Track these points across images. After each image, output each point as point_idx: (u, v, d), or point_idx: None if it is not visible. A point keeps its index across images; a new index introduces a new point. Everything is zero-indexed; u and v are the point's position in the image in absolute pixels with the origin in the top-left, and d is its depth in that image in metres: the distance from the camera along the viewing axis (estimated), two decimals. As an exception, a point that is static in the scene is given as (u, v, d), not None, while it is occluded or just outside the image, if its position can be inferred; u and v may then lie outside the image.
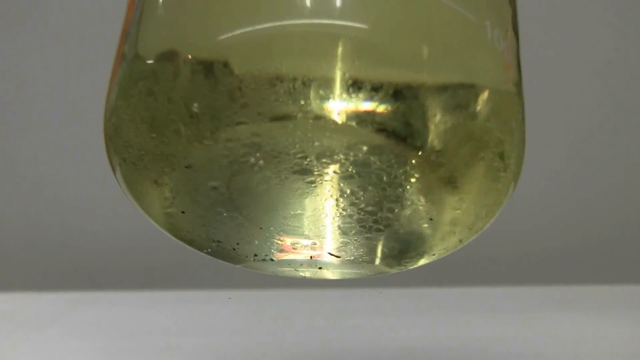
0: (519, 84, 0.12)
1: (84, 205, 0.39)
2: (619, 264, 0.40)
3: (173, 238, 0.14)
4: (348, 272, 0.15)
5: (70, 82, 0.38)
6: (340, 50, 0.10)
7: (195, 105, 0.10)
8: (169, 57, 0.11)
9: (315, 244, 0.14)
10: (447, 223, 0.13)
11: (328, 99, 0.10)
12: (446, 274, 0.40)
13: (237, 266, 0.14)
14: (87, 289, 0.36)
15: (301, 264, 0.14)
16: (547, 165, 0.40)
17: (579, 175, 0.40)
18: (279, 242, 0.14)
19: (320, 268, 0.14)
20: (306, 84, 0.10)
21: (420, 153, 0.11)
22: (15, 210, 0.39)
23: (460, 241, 0.13)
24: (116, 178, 0.13)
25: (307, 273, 0.15)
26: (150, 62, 0.11)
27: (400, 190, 0.12)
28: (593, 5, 0.38)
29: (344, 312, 0.32)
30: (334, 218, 0.13)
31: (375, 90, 0.10)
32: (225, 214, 0.13)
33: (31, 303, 0.33)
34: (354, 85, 0.10)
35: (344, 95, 0.10)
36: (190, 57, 0.10)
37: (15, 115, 0.38)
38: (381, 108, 0.10)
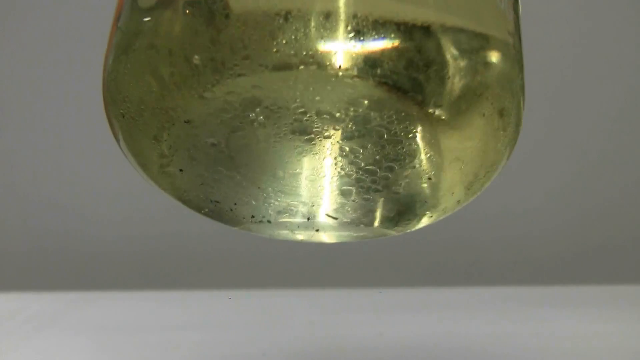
0: (519, 43, 0.12)
1: (84, 205, 0.39)
2: (619, 264, 0.40)
3: (171, 198, 0.13)
4: (346, 235, 0.15)
5: (70, 83, 0.38)
6: None
7: (196, 56, 0.10)
8: (167, 8, 0.10)
9: (313, 205, 0.14)
10: (446, 183, 0.13)
11: (330, 48, 0.10)
12: (446, 274, 0.40)
13: (235, 228, 0.14)
14: (87, 289, 0.36)
15: (298, 226, 0.14)
16: (548, 166, 0.40)
17: (578, 176, 0.40)
18: (277, 202, 0.13)
19: (317, 230, 0.14)
20: (307, 34, 0.10)
21: (421, 107, 0.10)
22: (15, 211, 0.39)
23: (458, 202, 0.13)
24: (115, 136, 0.12)
25: (303, 235, 0.14)
26: (147, 14, 0.11)
27: (399, 147, 0.12)
28: (601, 7, 0.38)
29: (344, 312, 0.32)
30: (332, 178, 0.13)
31: (376, 39, 0.10)
32: (223, 173, 0.13)
33: (31, 303, 0.33)
34: (356, 34, 0.10)
35: (346, 45, 0.10)
36: (187, 6, 0.10)
37: (15, 116, 0.38)
38: (383, 58, 0.10)
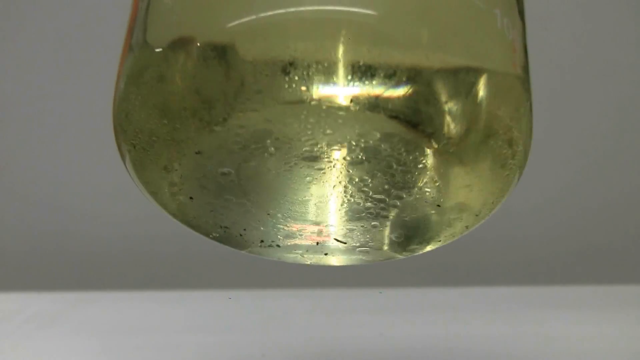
0: (526, 71, 0.13)
1: (84, 205, 0.39)
2: (619, 264, 0.40)
3: (180, 223, 0.14)
4: (354, 259, 0.15)
5: (70, 82, 0.38)
6: (351, 35, 0.10)
7: (207, 91, 0.10)
8: (179, 43, 0.11)
9: (321, 230, 0.14)
10: (454, 209, 0.13)
11: (340, 85, 0.10)
12: (446, 274, 0.40)
13: (242, 252, 0.14)
14: (87, 289, 0.36)
15: (307, 249, 0.14)
16: (548, 166, 0.40)
17: (578, 176, 0.40)
18: (286, 227, 0.13)
19: (326, 254, 0.14)
20: (319, 70, 0.10)
21: (430, 139, 0.11)
22: (15, 211, 0.39)
23: (467, 227, 0.13)
24: (125, 165, 0.12)
25: (312, 259, 0.15)
26: (160, 48, 0.11)
27: (408, 177, 0.12)
28: (603, 8, 0.38)
29: (344, 312, 0.32)
30: (341, 204, 0.13)
31: (387, 76, 0.10)
32: (233, 200, 0.13)
33: (31, 303, 0.33)
34: (366, 72, 0.10)
35: (356, 82, 0.10)
36: (200, 42, 0.10)
37: (15, 116, 0.38)
38: (393, 94, 0.10)
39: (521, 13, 0.13)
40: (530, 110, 0.13)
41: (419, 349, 0.27)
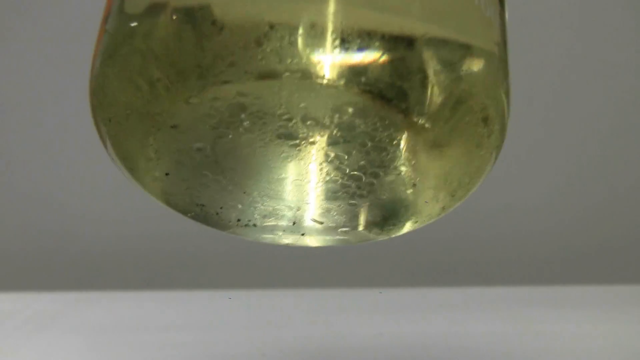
0: (504, 50, 0.12)
1: (84, 205, 0.39)
2: (619, 264, 0.40)
3: (157, 201, 0.14)
4: (331, 239, 0.15)
5: (70, 82, 0.38)
6: (327, 6, 0.10)
7: (181, 63, 0.10)
8: (153, 15, 0.10)
9: (298, 209, 0.14)
10: (430, 189, 0.13)
11: (315, 56, 0.10)
12: (446, 274, 0.40)
13: (223, 232, 0.14)
14: (87, 289, 0.36)
15: (284, 230, 0.14)
16: (548, 166, 0.40)
17: (578, 176, 0.40)
18: (262, 206, 0.13)
19: (303, 234, 0.14)
20: (293, 42, 0.10)
21: (405, 115, 0.11)
22: (15, 211, 0.39)
23: (443, 208, 0.13)
24: (102, 140, 0.12)
25: (289, 239, 0.15)
26: (135, 19, 0.11)
27: (384, 154, 0.12)
28: (599, 7, 0.38)
29: (344, 312, 0.32)
30: (317, 183, 0.13)
31: (362, 48, 0.10)
32: (209, 177, 0.13)
33: (31, 303, 0.33)
34: (341, 43, 0.10)
35: (331, 53, 0.10)
36: (174, 14, 0.10)
37: (15, 116, 0.38)
38: (368, 66, 0.10)
39: None
40: (508, 90, 0.13)
41: (419, 349, 0.27)
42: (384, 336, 0.28)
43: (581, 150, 0.40)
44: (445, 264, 0.40)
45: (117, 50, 0.11)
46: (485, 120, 0.12)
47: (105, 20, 0.12)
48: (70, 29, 0.37)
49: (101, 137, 0.12)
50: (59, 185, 0.39)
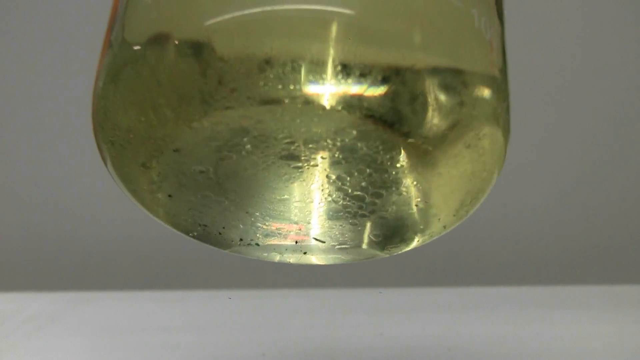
0: (504, 71, 0.13)
1: (84, 205, 0.39)
2: (619, 264, 0.40)
3: (159, 221, 0.14)
4: (333, 258, 0.15)
5: (70, 82, 0.38)
6: (328, 34, 0.10)
7: (184, 89, 0.10)
8: (157, 41, 0.11)
9: (300, 229, 0.14)
10: (432, 209, 0.13)
11: (317, 83, 0.10)
12: (446, 274, 0.40)
13: (225, 251, 0.15)
14: (87, 289, 0.36)
15: (286, 249, 0.14)
16: (548, 166, 0.40)
17: (578, 176, 0.40)
18: (265, 226, 0.14)
19: (305, 253, 0.14)
20: (295, 68, 0.10)
21: (407, 139, 0.11)
22: (15, 211, 0.39)
23: (445, 227, 0.13)
24: (104, 162, 0.13)
25: (292, 259, 0.15)
26: (138, 46, 0.11)
27: (386, 175, 0.12)
28: (599, 8, 0.38)
29: (344, 312, 0.32)
30: (320, 203, 0.13)
31: (363, 75, 0.10)
32: (211, 198, 0.13)
33: (31, 303, 0.33)
34: (343, 71, 0.10)
35: (333, 80, 0.10)
36: (178, 40, 0.10)
37: (15, 116, 0.38)
38: (369, 93, 0.10)
39: (500, 14, 0.13)
40: (508, 110, 0.13)
41: (419, 349, 0.27)
42: (384, 336, 0.28)
43: (581, 151, 0.40)
44: (445, 264, 0.40)
45: (119, 74, 0.11)
46: (486, 142, 0.12)
47: (110, 31, 0.12)
48: (70, 27, 0.37)
49: (103, 157, 0.12)
50: (59, 185, 0.39)
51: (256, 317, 0.31)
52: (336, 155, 0.11)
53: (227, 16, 0.10)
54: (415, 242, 0.14)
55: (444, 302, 0.34)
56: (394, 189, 0.12)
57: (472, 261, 0.39)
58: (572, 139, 0.40)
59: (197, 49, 0.10)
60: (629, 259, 0.40)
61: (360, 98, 0.10)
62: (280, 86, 0.10)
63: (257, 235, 0.14)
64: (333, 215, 0.13)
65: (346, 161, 0.12)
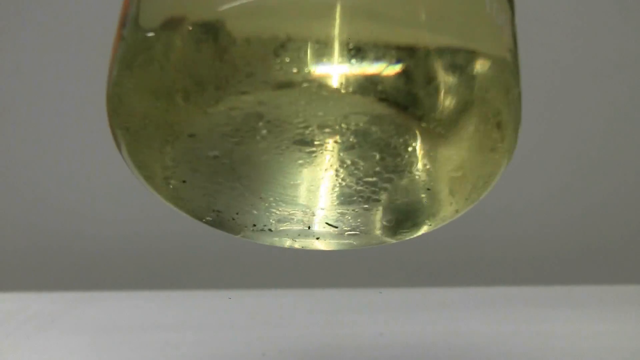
0: (515, 56, 0.13)
1: (84, 205, 0.39)
2: (619, 264, 0.40)
3: (172, 207, 0.14)
4: (344, 243, 0.15)
5: (70, 82, 0.38)
6: (341, 17, 0.10)
7: (199, 74, 0.10)
8: (171, 26, 0.11)
9: (313, 214, 0.14)
10: (444, 193, 0.13)
11: (332, 66, 0.10)
12: (446, 274, 0.40)
13: (236, 236, 0.15)
14: (87, 289, 0.36)
15: (298, 234, 0.14)
16: (548, 166, 0.40)
17: (578, 176, 0.40)
18: (278, 211, 0.14)
19: (317, 238, 0.15)
20: (310, 52, 0.10)
21: (419, 122, 0.11)
22: (15, 211, 0.39)
23: (457, 211, 0.14)
24: (118, 148, 0.13)
25: (304, 243, 0.15)
26: (153, 32, 0.11)
27: (399, 159, 0.12)
28: (597, 8, 0.39)
29: (344, 312, 0.32)
30: (333, 188, 0.13)
31: (377, 58, 0.10)
32: (226, 184, 0.13)
33: (31, 303, 0.33)
34: (358, 53, 0.10)
35: (348, 63, 0.10)
36: (192, 25, 0.10)
37: (15, 116, 0.38)
38: (383, 75, 0.10)
39: (510, 1, 0.13)
40: (519, 95, 0.13)
41: (419, 348, 0.27)
42: (384, 336, 0.28)
43: (581, 150, 0.40)
44: (445, 264, 0.40)
45: (134, 60, 0.11)
46: (499, 125, 0.12)
47: (122, 25, 0.12)
48: (70, 27, 0.37)
49: (117, 143, 0.12)
50: (59, 185, 0.39)
51: (256, 317, 0.31)
52: (350, 140, 0.11)
53: (242, 1, 0.10)
54: (427, 227, 0.14)
55: (444, 302, 0.34)
56: (407, 172, 0.12)
57: (472, 261, 0.40)
58: (572, 138, 0.40)
59: (213, 34, 0.10)
60: (629, 259, 0.40)
61: (374, 81, 0.10)
62: (295, 69, 0.10)
63: (270, 220, 0.14)
64: (346, 200, 0.13)
65: (360, 145, 0.12)
